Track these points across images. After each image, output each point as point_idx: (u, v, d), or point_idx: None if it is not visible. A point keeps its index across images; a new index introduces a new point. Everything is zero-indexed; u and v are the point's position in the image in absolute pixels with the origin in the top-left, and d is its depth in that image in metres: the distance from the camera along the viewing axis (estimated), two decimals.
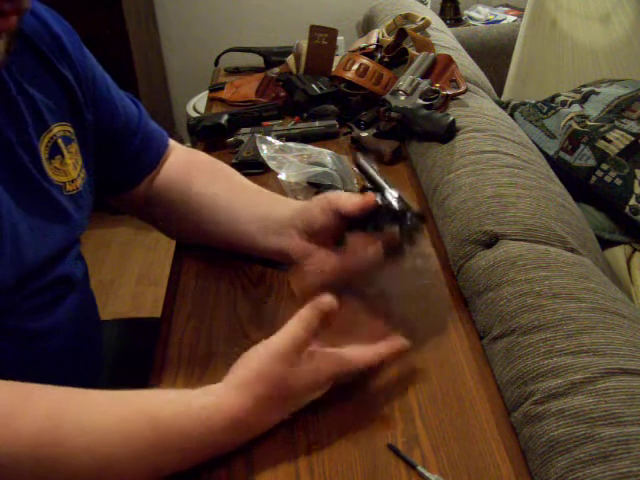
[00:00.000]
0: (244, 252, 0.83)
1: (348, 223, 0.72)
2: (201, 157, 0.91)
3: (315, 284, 0.68)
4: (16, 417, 0.50)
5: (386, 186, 0.72)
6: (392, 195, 0.70)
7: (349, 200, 0.70)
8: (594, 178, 1.09)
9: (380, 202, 0.70)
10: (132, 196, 0.85)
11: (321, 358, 0.59)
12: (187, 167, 0.87)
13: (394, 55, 1.33)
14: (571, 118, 1.17)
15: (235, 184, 0.86)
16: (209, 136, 1.20)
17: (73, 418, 0.52)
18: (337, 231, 0.73)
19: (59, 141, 0.69)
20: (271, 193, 0.85)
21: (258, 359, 0.58)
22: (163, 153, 0.86)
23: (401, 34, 1.34)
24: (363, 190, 0.75)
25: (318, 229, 0.73)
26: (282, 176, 1.00)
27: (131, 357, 0.95)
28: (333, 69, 1.35)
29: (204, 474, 0.56)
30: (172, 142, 0.89)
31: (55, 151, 0.68)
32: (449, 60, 1.21)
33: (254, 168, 1.07)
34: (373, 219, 0.70)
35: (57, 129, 0.69)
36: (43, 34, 0.69)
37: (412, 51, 1.27)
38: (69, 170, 0.70)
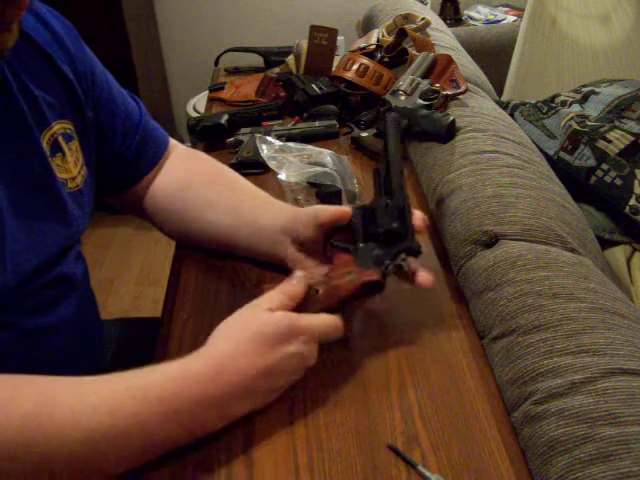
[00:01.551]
0: (240, 255, 0.83)
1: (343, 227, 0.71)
2: (202, 158, 0.91)
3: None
4: (5, 404, 0.50)
5: (395, 186, 0.70)
6: (391, 211, 0.68)
7: (327, 211, 0.71)
8: (594, 178, 1.09)
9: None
10: (131, 195, 0.85)
11: (302, 314, 0.61)
12: (187, 168, 0.87)
13: (394, 55, 1.33)
14: (571, 118, 1.17)
15: (234, 187, 0.85)
16: (209, 136, 1.20)
17: (62, 400, 0.52)
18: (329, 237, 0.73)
19: (60, 138, 0.69)
20: (269, 198, 0.83)
21: (233, 314, 0.61)
22: (163, 153, 0.86)
23: (401, 34, 1.34)
24: (376, 173, 0.74)
25: (305, 241, 0.74)
26: (282, 176, 1.00)
27: (131, 357, 0.95)
28: (333, 69, 1.35)
29: (202, 469, 0.56)
30: (173, 142, 0.89)
31: (56, 148, 0.68)
32: (449, 60, 1.21)
33: (254, 168, 1.07)
34: (368, 226, 0.69)
35: (58, 126, 0.69)
36: (43, 31, 0.69)
37: (412, 51, 1.27)
38: (70, 168, 0.70)
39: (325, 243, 0.72)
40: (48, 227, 0.67)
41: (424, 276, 0.67)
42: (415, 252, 0.67)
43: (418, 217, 0.70)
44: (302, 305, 0.64)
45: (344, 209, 0.70)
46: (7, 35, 0.58)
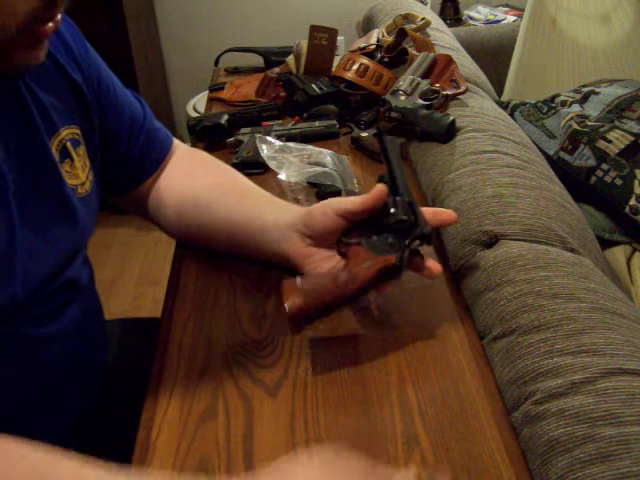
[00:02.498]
0: (245, 255, 0.82)
1: (351, 226, 0.71)
2: (204, 157, 0.91)
3: (307, 301, 0.65)
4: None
5: (400, 187, 0.71)
6: (401, 205, 0.69)
7: (355, 200, 0.70)
8: (594, 178, 1.09)
9: (390, 210, 0.68)
10: (135, 196, 0.85)
11: None
12: (190, 168, 0.87)
13: (394, 55, 1.33)
14: (571, 118, 1.17)
15: (237, 186, 0.85)
16: (209, 136, 1.20)
17: None
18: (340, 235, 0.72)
19: (68, 144, 0.68)
20: (273, 198, 0.83)
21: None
22: (166, 153, 0.85)
23: (401, 34, 1.34)
24: (380, 180, 0.74)
25: (320, 232, 0.73)
26: (282, 176, 1.00)
27: (132, 357, 0.95)
28: (333, 69, 1.35)
29: (202, 469, 0.56)
30: (176, 142, 0.89)
31: (65, 154, 0.68)
32: (449, 60, 1.21)
33: (254, 168, 1.06)
34: (377, 223, 0.69)
35: (66, 132, 0.68)
36: None
37: (412, 51, 1.27)
38: (78, 173, 0.69)
39: (339, 241, 0.71)
40: (58, 233, 0.66)
41: (433, 264, 0.69)
42: (427, 237, 0.69)
43: (448, 211, 0.72)
44: (322, 296, 0.64)
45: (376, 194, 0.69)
46: (40, 51, 0.59)
